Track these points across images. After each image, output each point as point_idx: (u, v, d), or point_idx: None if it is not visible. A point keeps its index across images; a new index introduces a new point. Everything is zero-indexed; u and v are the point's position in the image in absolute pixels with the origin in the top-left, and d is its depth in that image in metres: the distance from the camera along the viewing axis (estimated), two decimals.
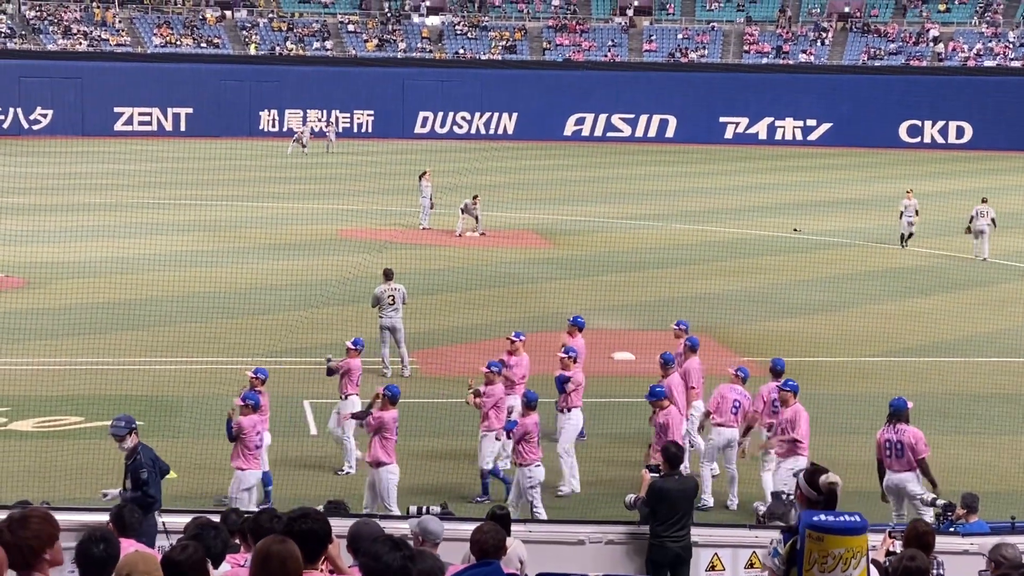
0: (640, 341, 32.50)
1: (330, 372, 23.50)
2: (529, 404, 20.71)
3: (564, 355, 23.31)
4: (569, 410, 22.74)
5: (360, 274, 35.44)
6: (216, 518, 11.97)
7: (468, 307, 35.77)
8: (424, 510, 14.97)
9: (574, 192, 63.51)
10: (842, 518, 9.74)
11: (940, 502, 17.88)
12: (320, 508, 10.87)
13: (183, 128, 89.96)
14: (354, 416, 21.90)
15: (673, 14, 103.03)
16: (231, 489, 19.70)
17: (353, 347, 23.55)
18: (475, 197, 49.73)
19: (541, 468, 20.38)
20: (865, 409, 27.43)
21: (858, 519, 9.75)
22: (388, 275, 29.88)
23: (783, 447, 20.80)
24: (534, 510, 19.80)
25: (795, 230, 52.01)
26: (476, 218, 49.70)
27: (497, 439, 21.62)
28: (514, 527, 14.54)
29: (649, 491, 15.81)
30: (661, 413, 20.65)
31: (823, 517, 9.76)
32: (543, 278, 42.08)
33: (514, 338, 24.56)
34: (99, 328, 32.54)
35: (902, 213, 49.35)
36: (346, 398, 23.05)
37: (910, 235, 49.07)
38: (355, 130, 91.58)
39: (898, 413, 20.30)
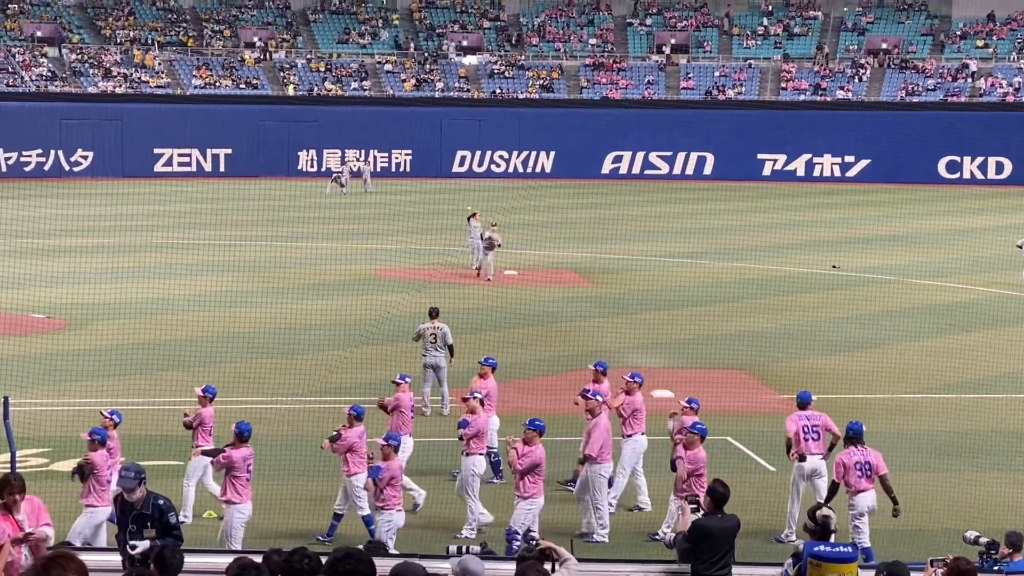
0: (679, 379, 32.40)
1: (187, 427, 22.65)
2: (396, 447, 20.39)
3: (471, 397, 22.86)
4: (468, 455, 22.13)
5: (398, 313, 35.52)
6: (258, 558, 11.95)
7: (507, 345, 35.71)
8: (464, 550, 14.90)
9: (612, 230, 63.51)
10: (837, 549, 12.16)
11: (983, 540, 17.71)
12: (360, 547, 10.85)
13: (222, 169, 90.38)
14: (204, 453, 21.72)
15: (710, 52, 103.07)
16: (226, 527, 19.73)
17: (204, 395, 22.76)
18: (493, 225, 49.59)
19: (402, 514, 20.26)
20: (906, 446, 27.30)
21: (850, 550, 12.17)
22: (433, 314, 29.92)
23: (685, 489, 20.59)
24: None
25: (834, 267, 51.83)
26: (498, 245, 49.21)
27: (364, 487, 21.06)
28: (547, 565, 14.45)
29: (692, 529, 15.72)
30: (592, 421, 21.59)
31: (822, 548, 12.17)
32: (582, 316, 42.05)
33: (484, 363, 24.91)
34: (139, 369, 32.66)
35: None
36: (197, 447, 22.32)
37: None
38: (393, 169, 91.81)
39: (859, 435, 20.81)
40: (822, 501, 20.38)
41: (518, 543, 20.34)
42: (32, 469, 24.05)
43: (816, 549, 12.25)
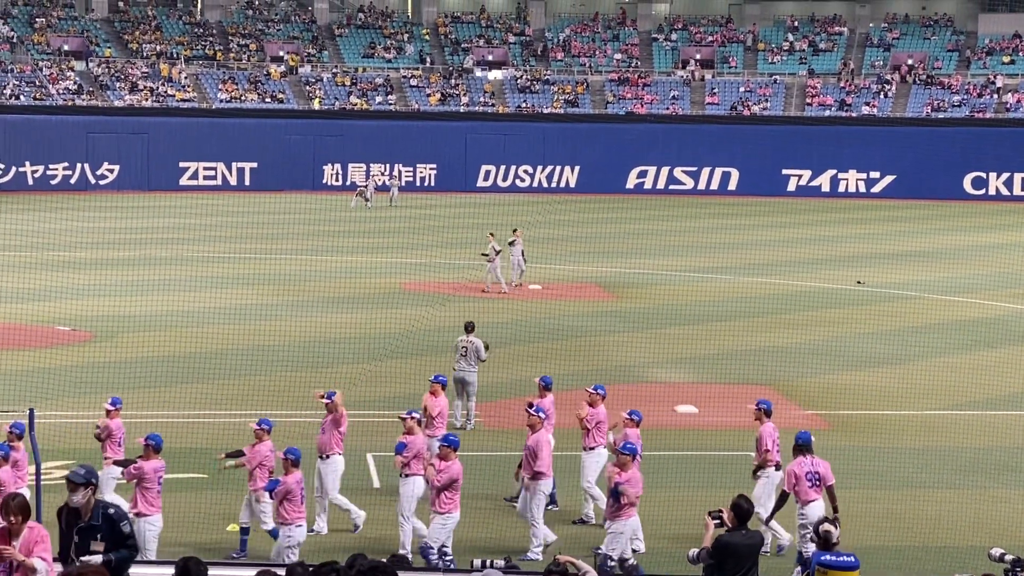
0: (703, 394, 32.39)
1: (98, 438, 22.52)
2: (295, 462, 20.21)
3: (408, 417, 22.17)
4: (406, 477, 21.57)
5: (423, 327, 35.53)
6: (281, 572, 11.94)
7: (531, 360, 35.69)
8: (488, 564, 14.89)
9: (637, 245, 63.49)
10: (841, 558, 13.52)
11: (1009, 557, 17.63)
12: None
13: (247, 182, 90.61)
14: (116, 463, 21.62)
15: (735, 67, 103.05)
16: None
17: (111, 407, 22.57)
18: (515, 231, 49.51)
19: (302, 529, 20.11)
20: (931, 463, 27.23)
21: (853, 559, 13.43)
22: (469, 328, 29.94)
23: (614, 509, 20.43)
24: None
25: (859, 282, 51.71)
26: (522, 253, 49.20)
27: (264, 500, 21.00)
28: None
29: (715, 546, 15.68)
30: (531, 436, 21.42)
31: (829, 557, 13.58)
32: (606, 331, 42.02)
33: (434, 381, 24.77)
34: (164, 381, 32.74)
35: None
36: (107, 459, 22.13)
37: None
38: (418, 184, 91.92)
39: (808, 445, 20.54)
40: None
41: (433, 557, 20.29)
42: (57, 481, 24.11)
43: (823, 558, 13.64)
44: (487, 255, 48.79)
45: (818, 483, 20.31)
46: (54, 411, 28.16)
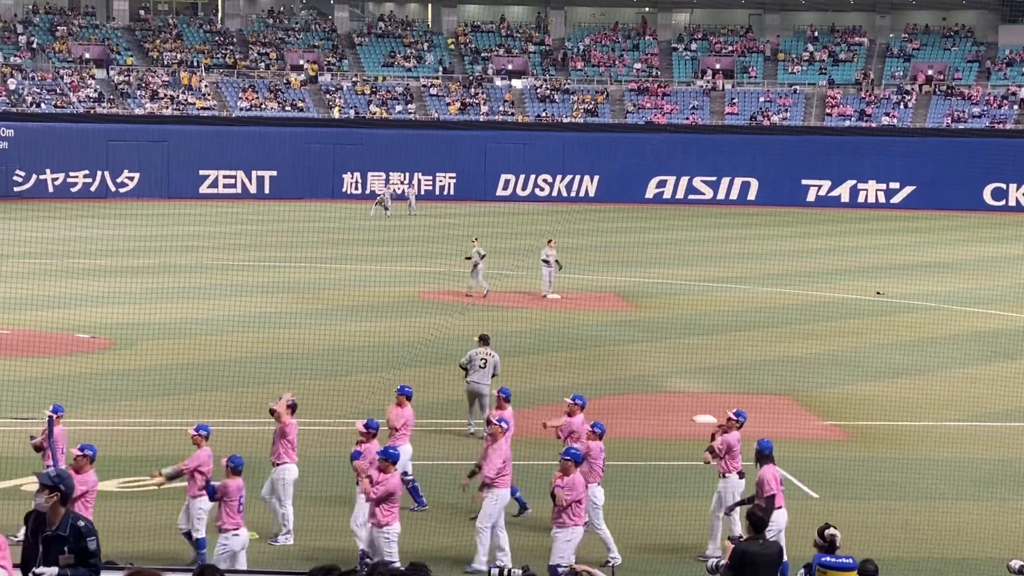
0: (722, 404, 32.30)
1: (36, 448, 22.14)
2: (235, 469, 20.13)
3: (362, 427, 22.01)
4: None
5: (442, 336, 35.53)
6: None
7: (549, 369, 35.72)
8: (506, 572, 14.87)
9: (655, 255, 63.48)
10: (841, 560, 14.41)
11: None
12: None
13: (267, 191, 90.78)
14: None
15: (755, 77, 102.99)
16: None
17: (53, 414, 21.97)
18: (550, 242, 49.54)
19: (239, 538, 19.93)
20: (950, 475, 27.15)
21: (851, 561, 14.31)
22: (485, 340, 29.84)
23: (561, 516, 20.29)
24: None
25: (878, 293, 51.62)
26: (550, 281, 49.27)
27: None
28: None
29: (732, 555, 15.67)
30: (490, 440, 21.51)
31: (828, 558, 14.49)
32: (624, 340, 41.99)
33: (399, 392, 24.61)
34: (182, 388, 32.79)
35: None
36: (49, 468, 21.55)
37: None
38: (437, 192, 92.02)
39: (771, 453, 20.47)
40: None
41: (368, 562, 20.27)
42: None
43: (824, 559, 14.51)
44: (471, 258, 49.30)
45: (781, 490, 20.42)
46: (74, 418, 28.19)
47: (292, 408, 22.74)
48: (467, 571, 20.84)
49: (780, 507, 20.26)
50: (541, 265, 49.50)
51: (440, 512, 23.60)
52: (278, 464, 22.48)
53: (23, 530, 13.79)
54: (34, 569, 13.04)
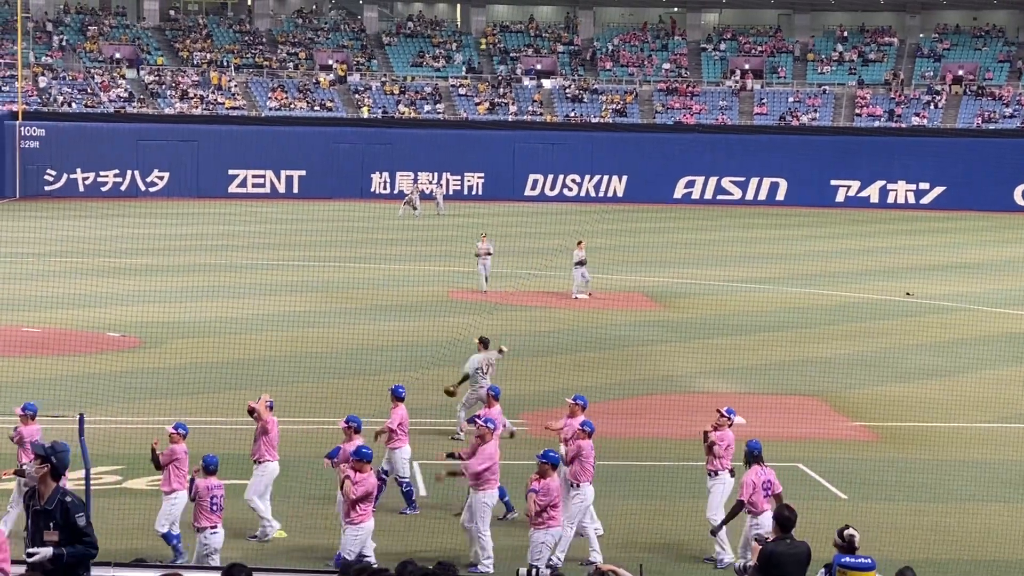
0: (752, 405, 32.26)
1: (17, 442, 22.16)
2: (207, 468, 20.25)
3: (345, 424, 22.10)
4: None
5: (470, 335, 35.48)
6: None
7: (577, 369, 35.71)
8: (535, 572, 14.87)
9: (684, 255, 63.41)
10: (860, 560, 14.80)
11: None
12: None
13: (295, 190, 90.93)
14: (16, 473, 21.38)
15: (784, 77, 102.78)
16: None
17: (23, 412, 22.25)
18: (580, 243, 49.48)
19: (217, 536, 20.06)
20: (980, 476, 27.05)
21: (870, 561, 14.76)
22: (486, 343, 29.66)
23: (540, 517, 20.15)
24: None
25: (908, 294, 51.45)
26: (585, 279, 49.26)
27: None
28: None
29: (760, 556, 15.62)
30: (478, 441, 21.42)
31: (848, 559, 14.82)
32: (653, 341, 41.94)
33: (393, 392, 24.58)
34: (211, 387, 32.87)
35: None
36: (22, 465, 21.66)
37: None
38: (465, 192, 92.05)
39: (760, 454, 20.37)
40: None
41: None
42: (106, 486, 24.28)
43: (843, 560, 14.80)
44: (479, 255, 49.90)
45: (770, 493, 20.20)
46: (104, 416, 28.31)
47: (270, 408, 22.82)
48: (472, 572, 20.69)
49: (764, 511, 19.93)
50: (573, 268, 49.36)
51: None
52: (260, 462, 22.58)
53: (42, 550, 13.05)
54: (27, 549, 12.74)
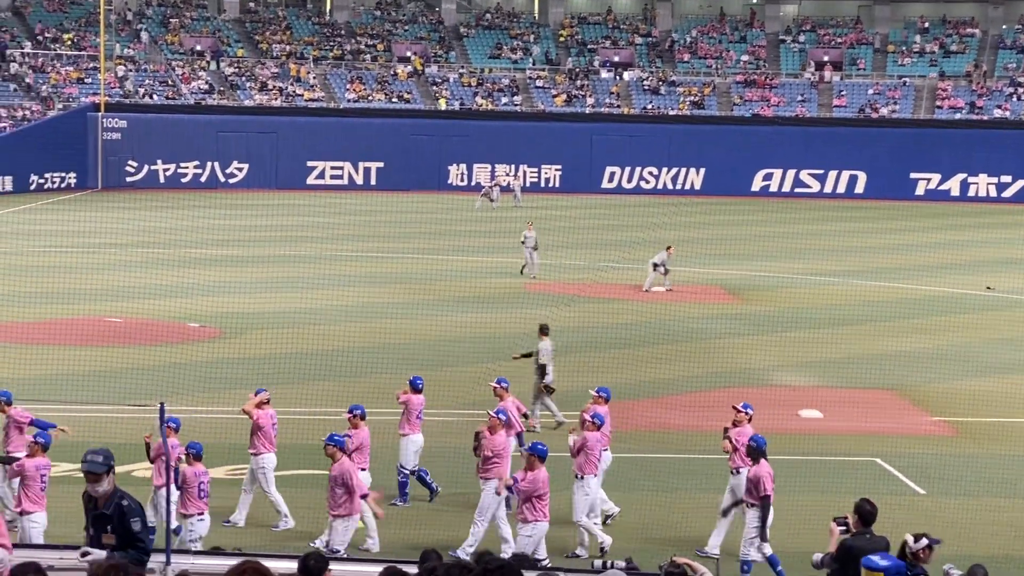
0: (828, 399, 32.16)
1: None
2: (195, 455, 20.51)
3: (349, 414, 22.66)
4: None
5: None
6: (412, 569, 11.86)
7: (654, 362, 35.70)
8: (609, 565, 14.89)
9: (761, 248, 63.16)
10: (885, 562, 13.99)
11: None
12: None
13: (373, 182, 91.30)
14: (0, 460, 21.64)
15: (864, 69, 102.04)
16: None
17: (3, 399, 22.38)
18: (668, 248, 49.38)
19: (204, 523, 20.37)
20: None
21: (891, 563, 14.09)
22: (546, 331, 30.20)
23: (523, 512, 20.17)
24: None
25: (988, 288, 51.02)
26: (666, 270, 49.08)
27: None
28: None
29: (839, 550, 15.56)
30: (489, 437, 21.67)
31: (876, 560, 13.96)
32: (730, 334, 41.85)
33: (410, 382, 24.86)
34: (290, 378, 33.11)
35: None
36: (8, 453, 21.97)
37: None
38: (542, 184, 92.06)
39: (765, 449, 20.42)
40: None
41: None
42: None
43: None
44: (524, 243, 51.16)
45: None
46: (183, 406, 28.61)
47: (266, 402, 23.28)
48: (451, 555, 20.26)
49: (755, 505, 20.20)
50: (650, 266, 49.17)
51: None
52: (256, 455, 22.89)
53: (95, 551, 12.95)
54: (82, 548, 12.81)
